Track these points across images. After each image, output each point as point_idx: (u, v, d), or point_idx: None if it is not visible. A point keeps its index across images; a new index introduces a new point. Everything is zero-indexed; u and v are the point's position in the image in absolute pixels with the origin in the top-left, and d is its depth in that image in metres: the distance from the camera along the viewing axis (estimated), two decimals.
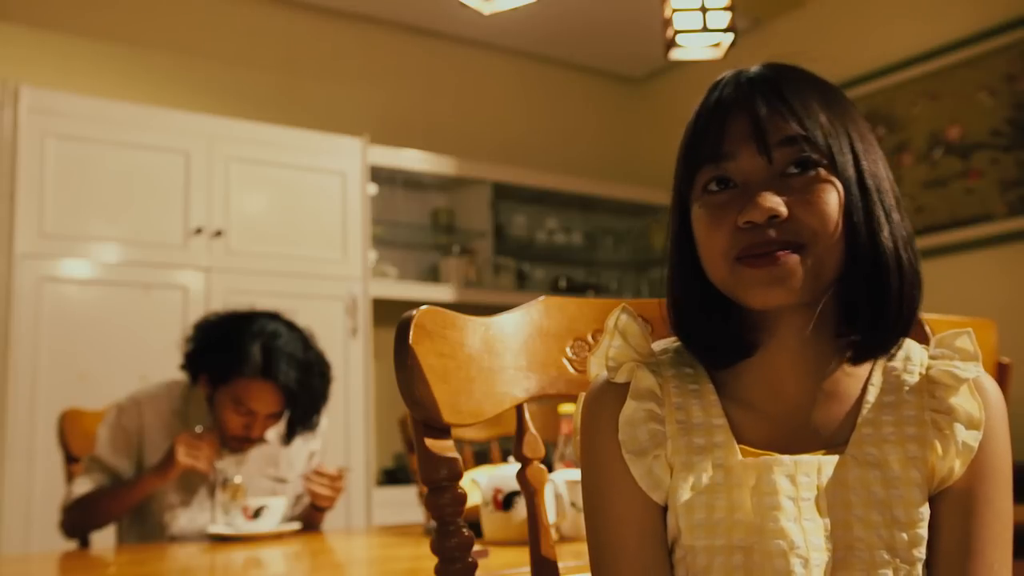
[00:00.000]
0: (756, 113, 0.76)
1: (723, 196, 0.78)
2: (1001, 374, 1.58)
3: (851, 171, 0.77)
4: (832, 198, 0.76)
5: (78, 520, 2.04)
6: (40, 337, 3.07)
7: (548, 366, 0.94)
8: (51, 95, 3.25)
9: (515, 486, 1.50)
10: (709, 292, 0.80)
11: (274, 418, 2.11)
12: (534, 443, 0.95)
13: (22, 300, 3.06)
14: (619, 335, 0.83)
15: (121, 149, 3.32)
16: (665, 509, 0.79)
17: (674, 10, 2.37)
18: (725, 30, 2.38)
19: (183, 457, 1.94)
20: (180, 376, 2.19)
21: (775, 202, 0.74)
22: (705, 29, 2.36)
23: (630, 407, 0.80)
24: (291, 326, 2.14)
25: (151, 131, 3.40)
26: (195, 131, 3.48)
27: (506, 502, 1.53)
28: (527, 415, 0.95)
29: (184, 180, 3.42)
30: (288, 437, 2.17)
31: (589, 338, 0.97)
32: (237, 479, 2.04)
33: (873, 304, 0.77)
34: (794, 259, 0.74)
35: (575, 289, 4.66)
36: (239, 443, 2.12)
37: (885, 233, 0.77)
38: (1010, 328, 2.26)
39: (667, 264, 0.85)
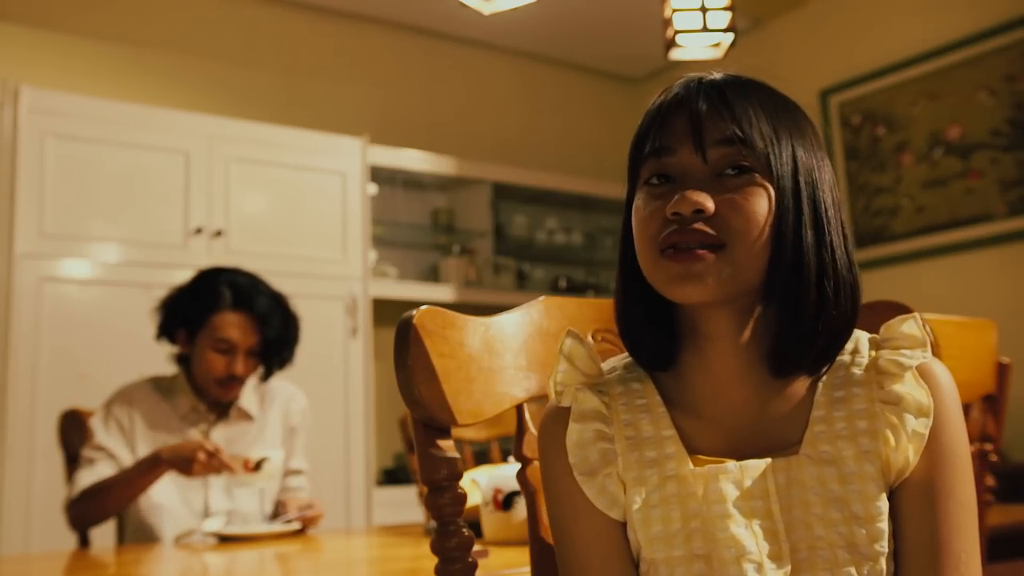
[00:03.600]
0: (696, 112, 0.78)
1: (661, 189, 0.79)
2: (1001, 374, 1.57)
3: (788, 182, 0.78)
4: (761, 202, 0.77)
5: (87, 511, 2.04)
6: (40, 337, 3.07)
7: (548, 366, 0.94)
8: (51, 95, 3.25)
9: (515, 486, 1.50)
10: (649, 290, 0.81)
11: (253, 357, 2.19)
12: (534, 443, 0.95)
13: (22, 300, 3.05)
14: (565, 360, 0.84)
15: (121, 149, 3.32)
16: (625, 525, 0.80)
17: (674, 10, 2.37)
18: (725, 30, 2.38)
19: (201, 469, 1.96)
20: (163, 372, 2.27)
21: (701, 197, 0.75)
22: (705, 29, 2.37)
23: (575, 430, 0.81)
24: (253, 275, 2.27)
25: (151, 131, 3.39)
26: (195, 131, 3.48)
27: (506, 502, 1.53)
28: (527, 415, 0.95)
29: (184, 180, 3.42)
30: (266, 373, 2.26)
31: (589, 338, 0.97)
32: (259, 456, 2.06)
33: (791, 319, 0.78)
34: (710, 257, 0.75)
35: (575, 289, 4.66)
36: (225, 388, 2.17)
37: (810, 245, 0.77)
38: (1010, 328, 2.27)
39: (617, 262, 0.86)
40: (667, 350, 0.82)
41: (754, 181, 0.77)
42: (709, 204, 0.75)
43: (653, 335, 0.82)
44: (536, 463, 0.95)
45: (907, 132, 3.90)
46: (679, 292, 0.77)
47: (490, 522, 1.55)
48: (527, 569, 0.92)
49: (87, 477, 2.04)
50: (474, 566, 0.84)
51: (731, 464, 0.76)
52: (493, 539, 1.54)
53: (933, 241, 3.75)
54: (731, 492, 0.75)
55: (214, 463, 1.96)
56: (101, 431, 2.10)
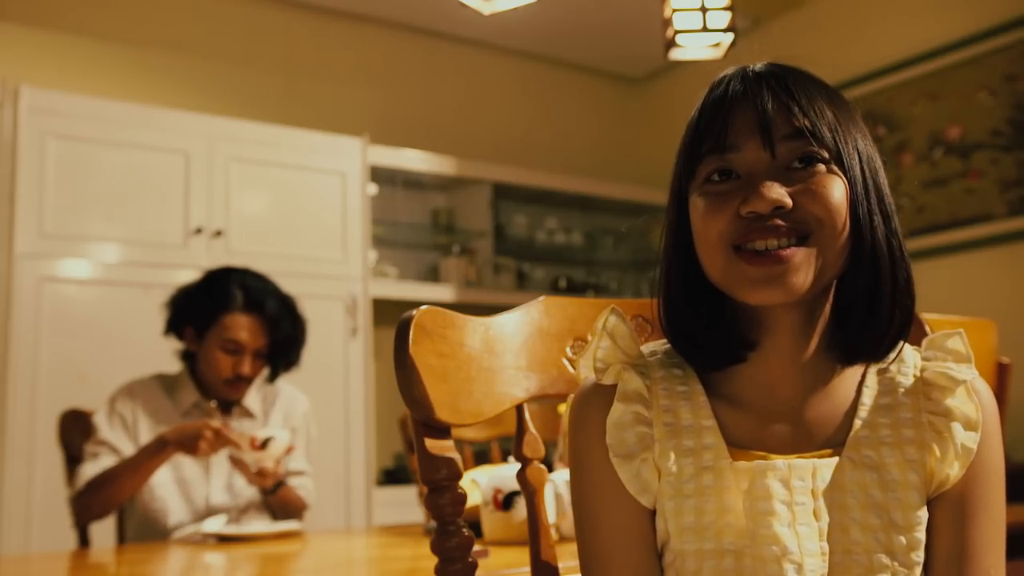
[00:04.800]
0: (763, 106, 0.76)
1: (725, 186, 0.77)
2: (1001, 374, 1.57)
3: (857, 171, 0.76)
4: (839, 190, 0.75)
5: (94, 501, 2.03)
6: (40, 337, 3.07)
7: (548, 366, 0.94)
8: (51, 95, 3.25)
9: (515, 486, 1.50)
10: (703, 290, 0.79)
11: (260, 358, 2.21)
12: (534, 443, 0.95)
13: (22, 300, 3.05)
14: (607, 336, 0.82)
15: (121, 149, 3.32)
16: (654, 513, 0.79)
17: (674, 10, 2.37)
18: (725, 30, 2.38)
19: (208, 447, 1.97)
20: (167, 370, 2.28)
21: (780, 192, 0.73)
22: (705, 29, 2.37)
23: (617, 410, 0.79)
24: (264, 277, 2.29)
25: (151, 131, 3.39)
26: (195, 131, 3.48)
27: (506, 502, 1.53)
28: (527, 415, 0.95)
29: (184, 180, 3.42)
30: (272, 374, 2.28)
31: (589, 338, 0.97)
32: (264, 433, 2.07)
33: (867, 307, 0.77)
34: (800, 253, 0.73)
35: (575, 289, 4.66)
36: (231, 388, 2.19)
37: (882, 234, 0.77)
38: (1010, 328, 2.26)
39: (661, 261, 0.83)
40: (729, 353, 0.79)
41: (826, 170, 0.75)
42: (787, 199, 0.73)
43: (714, 339, 0.79)
44: (536, 463, 0.95)
45: (907, 132, 3.90)
46: (761, 296, 0.74)
47: (490, 522, 1.55)
48: (527, 569, 0.92)
49: (91, 469, 2.04)
50: (474, 566, 0.84)
51: (780, 461, 0.75)
52: (493, 539, 1.54)
53: (933, 241, 3.75)
54: (778, 490, 0.74)
55: (220, 439, 1.97)
56: (105, 426, 2.11)
